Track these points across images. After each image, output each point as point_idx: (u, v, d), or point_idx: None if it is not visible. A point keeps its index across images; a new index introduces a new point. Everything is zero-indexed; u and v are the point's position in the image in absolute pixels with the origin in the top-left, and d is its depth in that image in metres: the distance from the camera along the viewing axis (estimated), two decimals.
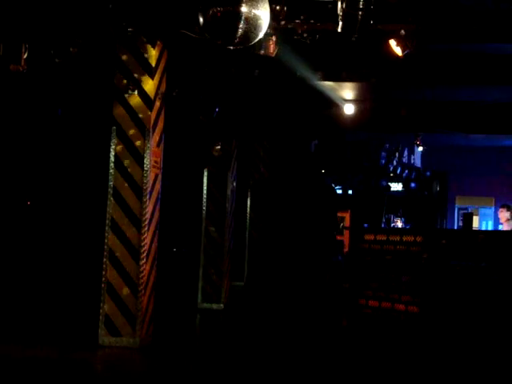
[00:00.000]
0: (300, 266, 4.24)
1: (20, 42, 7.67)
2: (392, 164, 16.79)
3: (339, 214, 13.02)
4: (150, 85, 7.85)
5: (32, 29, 7.68)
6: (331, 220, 4.56)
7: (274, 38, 7.10)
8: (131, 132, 7.83)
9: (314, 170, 4.64)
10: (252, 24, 5.53)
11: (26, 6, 7.43)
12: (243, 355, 7.49)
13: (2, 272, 11.85)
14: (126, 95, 7.83)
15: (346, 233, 15.78)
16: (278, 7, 6.43)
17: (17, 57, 7.69)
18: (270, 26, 5.93)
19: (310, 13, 6.90)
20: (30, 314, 10.06)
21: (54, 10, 7.46)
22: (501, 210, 11.42)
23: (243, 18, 5.48)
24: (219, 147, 11.59)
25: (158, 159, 8.09)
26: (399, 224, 15.83)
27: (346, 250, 15.53)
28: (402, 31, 7.02)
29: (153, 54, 7.85)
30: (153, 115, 7.85)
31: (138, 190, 7.77)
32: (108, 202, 7.81)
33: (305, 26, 6.99)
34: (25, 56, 7.73)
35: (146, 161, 7.78)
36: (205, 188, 11.76)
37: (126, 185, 7.79)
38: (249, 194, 14.83)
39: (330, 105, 11.80)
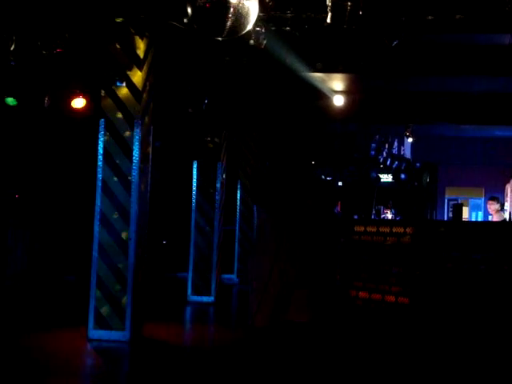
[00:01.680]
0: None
1: (7, 34, 7.60)
2: (382, 155, 16.80)
3: None
4: (138, 76, 7.79)
5: (19, 20, 7.60)
6: (328, 211, 4.56)
7: (262, 29, 7.06)
8: (120, 124, 7.78)
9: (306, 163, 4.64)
10: (241, 15, 5.49)
11: None
12: (234, 347, 7.48)
13: None
14: (114, 87, 7.77)
15: None
16: None
17: (4, 49, 7.62)
18: (258, 17, 5.88)
19: (299, 3, 6.85)
20: (20, 308, 10.02)
21: (41, 1, 7.39)
22: (490, 202, 11.44)
23: (232, 8, 5.44)
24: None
25: (147, 151, 8.05)
26: (389, 215, 15.86)
27: None
28: (391, 22, 6.99)
29: (141, 45, 7.79)
30: (141, 107, 7.80)
31: (127, 183, 7.73)
32: (97, 195, 7.77)
33: (293, 17, 6.95)
34: (12, 48, 7.66)
35: (135, 153, 7.74)
36: (194, 180, 11.71)
37: (115, 177, 7.75)
38: (239, 185, 14.80)
39: (320, 96, 11.76)
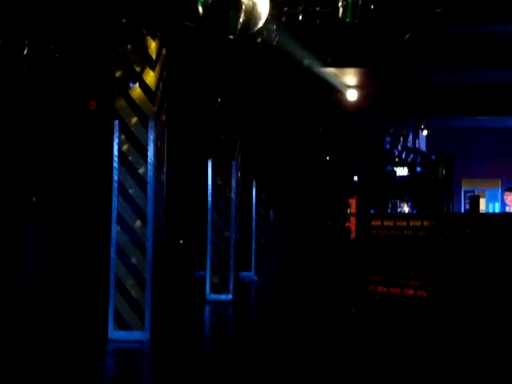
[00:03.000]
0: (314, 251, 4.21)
1: (20, 38, 7.64)
2: (397, 149, 16.75)
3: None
4: (151, 77, 7.80)
5: (31, 24, 7.64)
6: (342, 205, 4.56)
7: (274, 26, 7.05)
8: (134, 125, 7.79)
9: (321, 156, 4.64)
10: (252, 12, 5.49)
11: (24, 1, 7.39)
12: (253, 346, 7.47)
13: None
14: (128, 88, 7.78)
15: (353, 219, 15.76)
16: None
17: (17, 53, 7.66)
18: (269, 14, 5.87)
19: None
20: (38, 310, 10.07)
21: (53, 4, 7.41)
22: (508, 193, 11.43)
23: (243, 6, 5.44)
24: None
25: (162, 151, 8.06)
26: (406, 209, 15.81)
27: (353, 236, 15.50)
28: (403, 15, 6.96)
29: (153, 45, 7.79)
30: (155, 107, 7.81)
31: (143, 183, 7.75)
32: (113, 196, 7.79)
33: (305, 12, 6.93)
34: (25, 52, 7.70)
35: (150, 153, 7.75)
36: (209, 178, 11.71)
37: (131, 178, 7.77)
38: (254, 183, 14.80)
39: (333, 91, 11.74)
